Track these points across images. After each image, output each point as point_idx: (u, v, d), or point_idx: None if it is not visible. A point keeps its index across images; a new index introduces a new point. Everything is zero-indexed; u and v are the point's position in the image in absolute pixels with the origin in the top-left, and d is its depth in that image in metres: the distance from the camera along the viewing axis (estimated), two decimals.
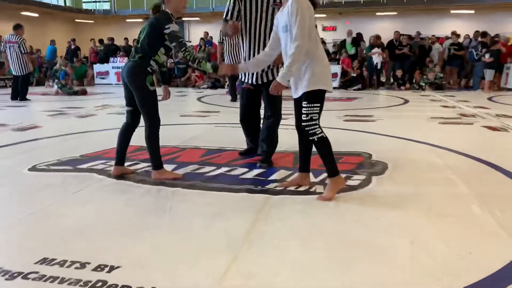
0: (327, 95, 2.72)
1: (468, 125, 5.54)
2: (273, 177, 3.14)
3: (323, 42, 10.96)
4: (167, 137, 4.46)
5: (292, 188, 2.87)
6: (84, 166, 3.48)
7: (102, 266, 1.81)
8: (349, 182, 2.96)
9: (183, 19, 20.37)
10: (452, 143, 4.30)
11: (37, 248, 2.00)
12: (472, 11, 17.70)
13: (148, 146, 3.08)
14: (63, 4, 20.72)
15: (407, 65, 11.67)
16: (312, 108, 2.59)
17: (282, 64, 2.69)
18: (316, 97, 2.60)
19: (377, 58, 11.63)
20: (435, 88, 10.99)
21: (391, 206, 2.56)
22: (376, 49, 11.71)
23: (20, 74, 9.02)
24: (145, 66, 2.95)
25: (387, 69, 12.22)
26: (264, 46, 3.35)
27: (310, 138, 2.63)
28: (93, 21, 21.69)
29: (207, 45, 13.49)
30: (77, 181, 3.08)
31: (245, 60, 3.44)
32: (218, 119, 6.20)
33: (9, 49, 8.94)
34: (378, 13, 18.89)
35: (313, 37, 2.58)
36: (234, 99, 8.27)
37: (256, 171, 3.29)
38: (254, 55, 3.37)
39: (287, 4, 2.56)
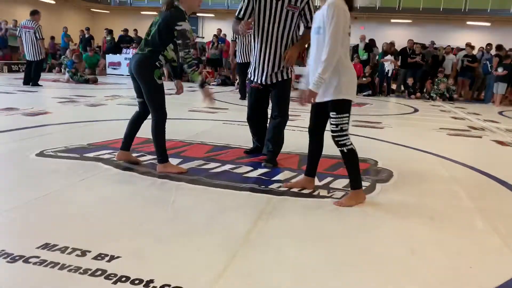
0: None
1: (476, 138, 5.50)
2: (277, 177, 3.15)
3: None
4: (175, 131, 4.49)
5: (295, 189, 2.87)
6: (91, 154, 3.51)
7: (103, 255, 1.83)
8: None
9: (198, 14, 20.44)
10: (459, 155, 4.27)
11: (40, 233, 2.02)
12: (488, 24, 17.55)
13: (154, 139, 3.10)
14: None
15: (418, 74, 11.61)
16: (341, 119, 2.58)
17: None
18: (343, 107, 2.58)
19: (389, 65, 11.58)
20: (446, 99, 10.92)
21: (393, 214, 2.55)
22: (389, 56, 11.65)
23: (34, 59, 9.10)
24: (154, 60, 2.96)
25: (398, 77, 12.15)
26: (276, 47, 3.35)
27: (340, 148, 2.63)
28: (108, 12, 21.83)
29: (220, 42, 13.49)
30: (83, 169, 3.11)
31: (255, 60, 3.44)
32: (226, 116, 6.21)
33: (25, 34, 9.02)
34: (393, 20, 18.80)
35: (345, 45, 2.52)
36: (243, 97, 8.28)
37: (261, 171, 3.30)
38: (264, 56, 3.37)
39: (323, 6, 2.51)
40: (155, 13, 20.33)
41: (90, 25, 17.97)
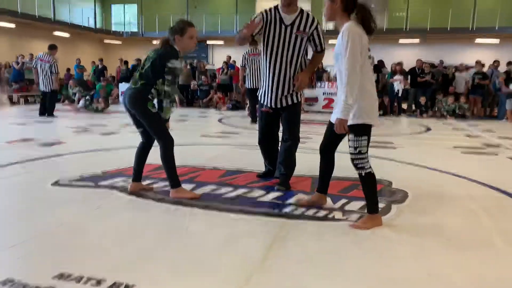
0: None
1: (492, 156, 5.42)
2: (290, 200, 3.13)
3: None
4: (187, 157, 4.52)
5: (309, 213, 2.85)
6: (106, 182, 3.54)
7: (118, 284, 1.82)
8: None
9: (208, 42, 20.89)
10: (475, 173, 4.20)
11: (56, 263, 2.03)
12: (497, 41, 17.54)
13: (164, 166, 3.13)
14: (93, 26, 21.56)
15: (429, 93, 11.59)
16: (359, 141, 2.56)
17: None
18: (362, 130, 2.56)
19: (398, 85, 11.60)
20: (458, 117, 10.85)
21: (410, 236, 2.51)
22: (397, 76, 11.69)
23: (48, 90, 9.33)
24: (147, 93, 3.04)
25: (408, 96, 12.13)
26: (286, 71, 3.39)
27: (358, 172, 2.61)
28: (120, 42, 22.43)
29: (229, 68, 13.71)
30: (98, 197, 3.14)
31: (265, 84, 3.48)
32: (238, 140, 6.24)
33: (40, 66, 9.28)
34: (400, 41, 18.93)
35: (364, 69, 2.50)
36: (254, 120, 8.33)
37: (274, 194, 3.29)
38: (274, 80, 3.40)
39: (340, 32, 2.51)
40: None
41: (103, 55, 18.44)
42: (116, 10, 23.79)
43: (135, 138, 3.42)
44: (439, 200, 3.27)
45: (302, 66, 3.45)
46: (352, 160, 2.61)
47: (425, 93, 11.55)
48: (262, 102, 3.58)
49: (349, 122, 2.54)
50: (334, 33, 2.99)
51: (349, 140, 2.61)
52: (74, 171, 3.93)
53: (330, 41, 11.65)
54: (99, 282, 1.84)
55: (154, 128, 3.09)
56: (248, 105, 9.98)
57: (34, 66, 9.51)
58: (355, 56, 2.42)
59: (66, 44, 18.50)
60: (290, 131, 3.48)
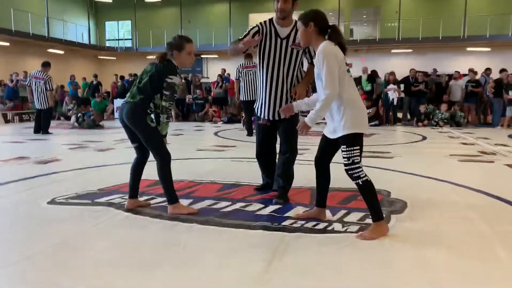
0: None
1: (489, 163, 5.43)
2: (289, 213, 3.11)
3: None
4: (183, 171, 4.50)
5: (309, 226, 2.83)
6: (102, 199, 3.51)
7: None
8: (367, 221, 2.90)
9: (202, 56, 21.01)
10: (472, 181, 4.21)
11: (53, 282, 2.00)
12: (489, 49, 17.77)
13: (161, 181, 3.11)
14: (87, 42, 21.66)
15: (423, 102, 11.67)
16: (352, 152, 2.60)
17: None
18: (354, 140, 2.60)
19: (392, 94, 11.69)
20: (453, 125, 10.91)
21: (410, 245, 2.49)
22: (391, 86, 11.78)
23: (42, 108, 9.31)
24: (145, 108, 3.03)
25: (403, 106, 12.20)
26: (282, 84, 3.40)
27: (355, 182, 2.62)
28: (115, 58, 22.53)
29: (224, 81, 13.76)
30: (94, 214, 3.10)
31: (262, 97, 3.49)
32: (234, 153, 6.23)
33: (35, 84, 9.27)
34: (393, 50, 19.13)
35: (345, 82, 2.60)
36: (250, 133, 8.34)
37: (272, 207, 3.26)
38: (271, 93, 3.42)
39: (317, 53, 2.62)
40: None
41: (97, 71, 18.49)
42: (110, 27, 23.97)
43: (131, 154, 3.40)
44: (438, 209, 3.26)
45: (299, 78, 3.47)
46: (347, 171, 2.63)
47: (420, 102, 11.63)
48: (259, 115, 3.58)
49: (340, 133, 2.60)
50: None
51: (342, 151, 2.64)
52: (70, 188, 3.89)
53: None
54: None
55: (151, 143, 3.07)
56: (243, 118, 9.99)
57: (28, 84, 9.50)
58: (332, 76, 2.53)
59: (60, 61, 18.54)
60: (288, 144, 3.47)
